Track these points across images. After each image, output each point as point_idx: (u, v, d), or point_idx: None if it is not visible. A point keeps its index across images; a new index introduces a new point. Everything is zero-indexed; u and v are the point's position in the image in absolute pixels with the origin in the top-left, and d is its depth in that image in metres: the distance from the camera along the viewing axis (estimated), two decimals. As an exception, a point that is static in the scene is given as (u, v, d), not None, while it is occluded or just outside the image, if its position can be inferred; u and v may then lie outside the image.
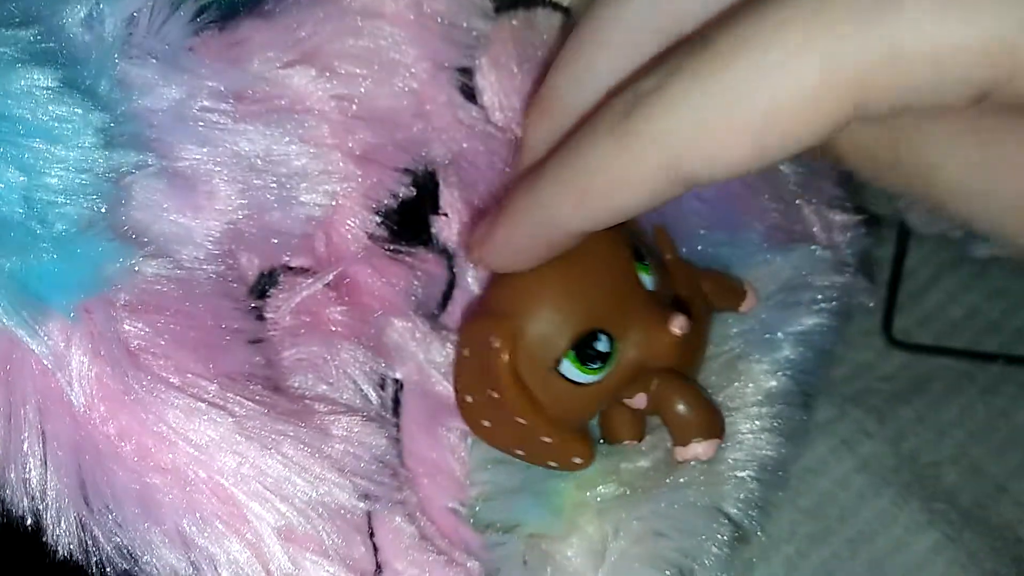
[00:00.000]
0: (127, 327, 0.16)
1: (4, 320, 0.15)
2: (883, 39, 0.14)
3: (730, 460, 0.23)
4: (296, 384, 0.20)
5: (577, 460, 0.22)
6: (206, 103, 0.19)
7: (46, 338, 0.16)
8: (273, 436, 0.17)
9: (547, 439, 0.22)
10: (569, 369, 0.21)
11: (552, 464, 0.22)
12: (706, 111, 0.16)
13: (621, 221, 0.19)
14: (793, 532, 0.30)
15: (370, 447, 0.19)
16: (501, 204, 0.21)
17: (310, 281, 0.21)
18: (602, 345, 0.21)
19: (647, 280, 0.22)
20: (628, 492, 0.22)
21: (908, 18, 0.14)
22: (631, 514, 0.21)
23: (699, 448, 0.22)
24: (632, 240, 0.22)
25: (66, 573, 0.15)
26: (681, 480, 0.22)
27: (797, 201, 0.28)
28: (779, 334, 0.25)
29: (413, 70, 0.23)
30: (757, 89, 0.15)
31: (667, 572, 0.21)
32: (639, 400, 0.22)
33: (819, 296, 0.26)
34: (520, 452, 0.22)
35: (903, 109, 0.15)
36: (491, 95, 0.25)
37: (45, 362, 0.16)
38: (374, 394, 0.21)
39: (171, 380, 0.16)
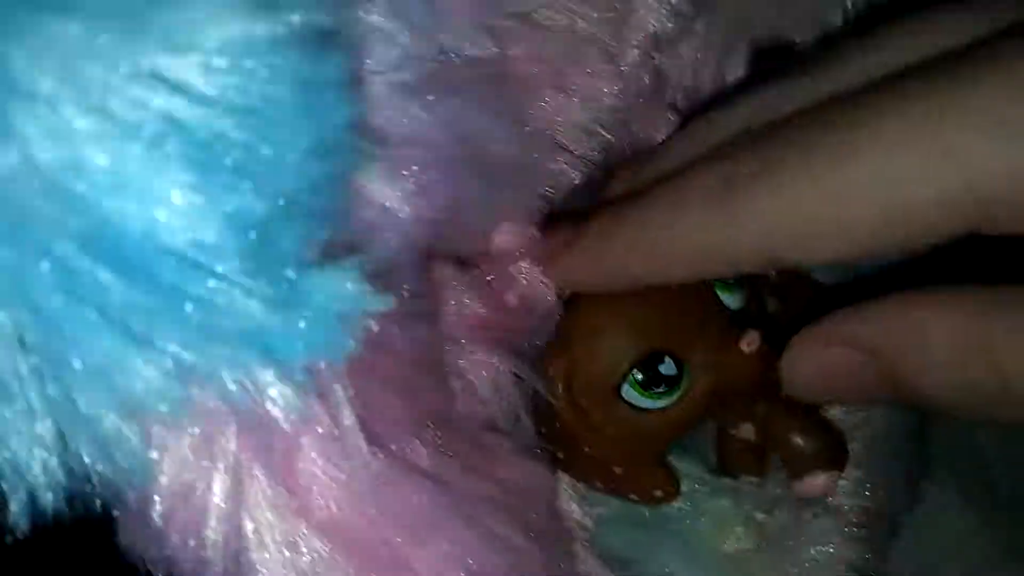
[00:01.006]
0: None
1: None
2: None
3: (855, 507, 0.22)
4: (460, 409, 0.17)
5: (657, 493, 0.20)
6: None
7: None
8: (475, 504, 0.15)
9: (618, 469, 0.20)
10: (631, 394, 0.19)
11: (634, 498, 0.21)
12: (816, 204, 0.15)
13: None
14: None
15: (544, 494, 0.17)
16: (579, 228, 0.19)
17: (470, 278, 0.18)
18: (667, 368, 0.19)
19: (729, 299, 0.20)
20: (765, 545, 0.21)
21: None
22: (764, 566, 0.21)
23: (818, 481, 0.20)
24: None
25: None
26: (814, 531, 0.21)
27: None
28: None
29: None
30: (880, 189, 0.14)
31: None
32: (746, 430, 0.21)
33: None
34: (599, 485, 0.21)
35: None
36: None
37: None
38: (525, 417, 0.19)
39: (392, 447, 0.13)
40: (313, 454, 0.12)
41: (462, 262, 0.19)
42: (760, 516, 0.21)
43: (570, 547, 0.18)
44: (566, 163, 0.19)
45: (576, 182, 0.20)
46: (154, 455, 0.11)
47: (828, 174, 0.15)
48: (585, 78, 0.18)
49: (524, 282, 0.20)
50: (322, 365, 0.12)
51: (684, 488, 0.21)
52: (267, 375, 0.12)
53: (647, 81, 0.20)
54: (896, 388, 0.16)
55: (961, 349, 0.15)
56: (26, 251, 0.10)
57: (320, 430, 0.12)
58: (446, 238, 0.17)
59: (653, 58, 0.20)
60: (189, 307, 0.11)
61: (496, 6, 0.17)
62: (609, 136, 0.20)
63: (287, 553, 0.12)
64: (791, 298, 0.22)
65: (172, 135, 0.10)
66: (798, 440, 0.20)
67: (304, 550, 0.12)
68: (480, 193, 0.17)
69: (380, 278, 0.13)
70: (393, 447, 0.13)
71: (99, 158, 0.10)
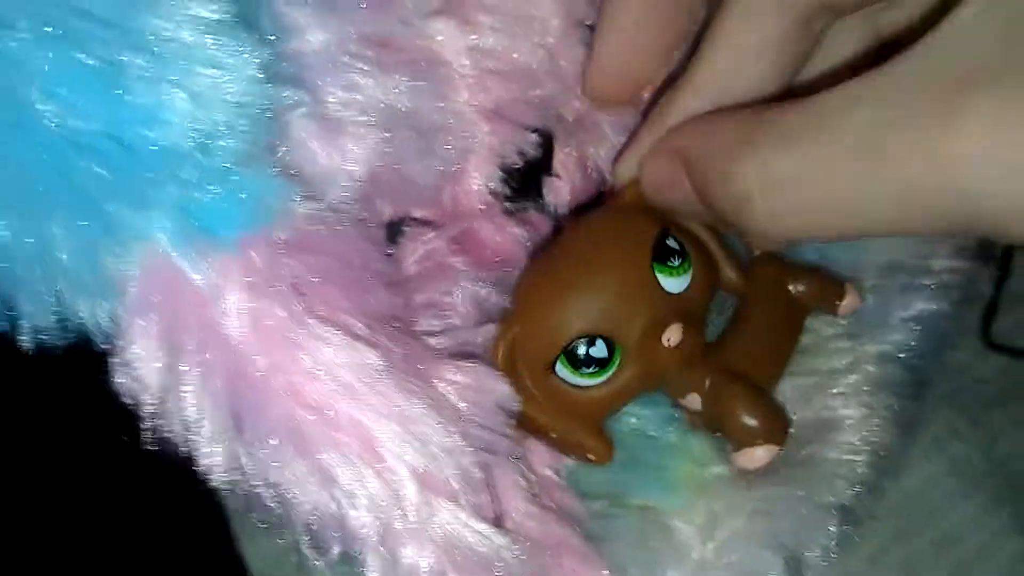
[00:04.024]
0: (283, 264, 0.16)
1: (169, 249, 0.16)
2: None
3: (843, 444, 0.22)
4: (423, 327, 0.20)
5: (591, 457, 0.21)
6: (355, 48, 0.19)
7: (208, 269, 0.16)
8: (413, 379, 0.17)
9: (553, 434, 0.21)
10: (563, 371, 0.20)
11: (573, 458, 0.22)
12: None
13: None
14: (876, 527, 0.30)
15: (494, 394, 0.19)
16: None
17: (438, 232, 0.22)
18: (598, 350, 0.20)
19: (670, 283, 0.21)
20: (741, 477, 0.21)
21: None
22: (744, 495, 0.21)
23: (757, 454, 0.21)
24: (657, 239, 0.21)
25: (210, 505, 0.15)
26: (794, 471, 0.22)
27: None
28: (893, 318, 0.25)
29: (547, 26, 0.23)
30: None
31: (777, 554, 0.21)
32: (692, 400, 0.21)
33: (936, 281, 0.25)
34: (542, 441, 0.22)
35: None
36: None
37: (205, 293, 0.16)
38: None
39: (324, 317, 0.17)
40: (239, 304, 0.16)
41: (429, 222, 0.23)
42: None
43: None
44: (489, 132, 0.22)
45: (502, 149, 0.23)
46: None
47: None
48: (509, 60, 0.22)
49: (496, 238, 0.23)
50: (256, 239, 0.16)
51: (660, 427, 0.22)
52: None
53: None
54: (699, 191, 0.18)
55: (734, 150, 0.16)
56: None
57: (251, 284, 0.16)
58: (390, 188, 0.20)
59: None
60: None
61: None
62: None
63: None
64: (759, 276, 0.23)
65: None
66: (740, 413, 0.21)
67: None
68: (414, 149, 0.20)
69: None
70: (324, 313, 0.17)
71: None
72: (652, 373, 0.21)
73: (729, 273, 0.23)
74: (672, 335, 0.20)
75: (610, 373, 0.20)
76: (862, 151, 0.15)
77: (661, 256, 0.21)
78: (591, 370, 0.20)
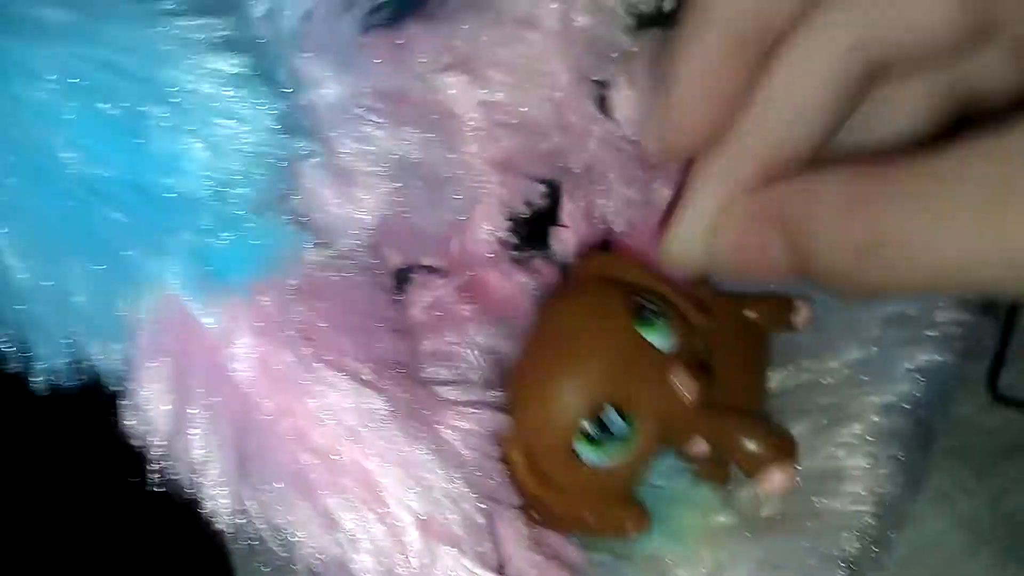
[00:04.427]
0: (293, 309, 0.17)
1: (181, 293, 0.16)
2: None
3: (848, 495, 0.22)
4: (429, 374, 0.20)
5: (629, 528, 0.21)
6: (368, 101, 0.20)
7: (218, 314, 0.16)
8: (418, 425, 0.18)
9: (589, 517, 0.21)
10: (586, 453, 0.20)
11: (611, 535, 0.22)
12: None
13: None
14: (883, 582, 0.30)
15: (495, 445, 0.19)
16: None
17: (446, 280, 0.22)
18: (614, 421, 0.20)
19: (657, 339, 0.21)
20: (747, 527, 0.21)
21: None
22: (750, 545, 0.21)
23: (775, 476, 0.20)
24: (632, 300, 0.21)
25: (215, 547, 0.15)
26: (800, 522, 0.21)
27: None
28: (897, 368, 0.25)
29: (556, 81, 0.23)
30: None
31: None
32: (698, 446, 0.21)
33: (941, 332, 0.25)
34: (576, 532, 0.22)
35: None
36: (625, 110, 0.25)
37: (215, 337, 0.16)
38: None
39: (331, 362, 0.17)
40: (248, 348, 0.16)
41: (438, 270, 0.23)
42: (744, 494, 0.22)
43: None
44: (498, 183, 0.23)
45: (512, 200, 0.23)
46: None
47: None
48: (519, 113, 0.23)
49: (503, 286, 0.23)
50: (267, 285, 0.16)
51: (666, 477, 0.23)
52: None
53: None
54: (798, 258, 0.17)
55: (845, 209, 0.16)
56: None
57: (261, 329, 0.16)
58: (399, 237, 0.21)
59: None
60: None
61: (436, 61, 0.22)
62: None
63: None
64: (717, 312, 0.23)
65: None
66: (745, 442, 0.20)
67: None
68: (423, 199, 0.21)
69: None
70: (331, 358, 0.17)
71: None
72: (670, 425, 0.21)
73: (695, 317, 0.23)
74: (691, 390, 0.20)
75: (632, 441, 0.20)
76: (980, 211, 0.15)
77: (640, 316, 0.21)
78: (613, 445, 0.20)
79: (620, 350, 0.20)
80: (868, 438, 0.24)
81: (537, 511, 0.21)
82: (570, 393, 0.20)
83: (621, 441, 0.20)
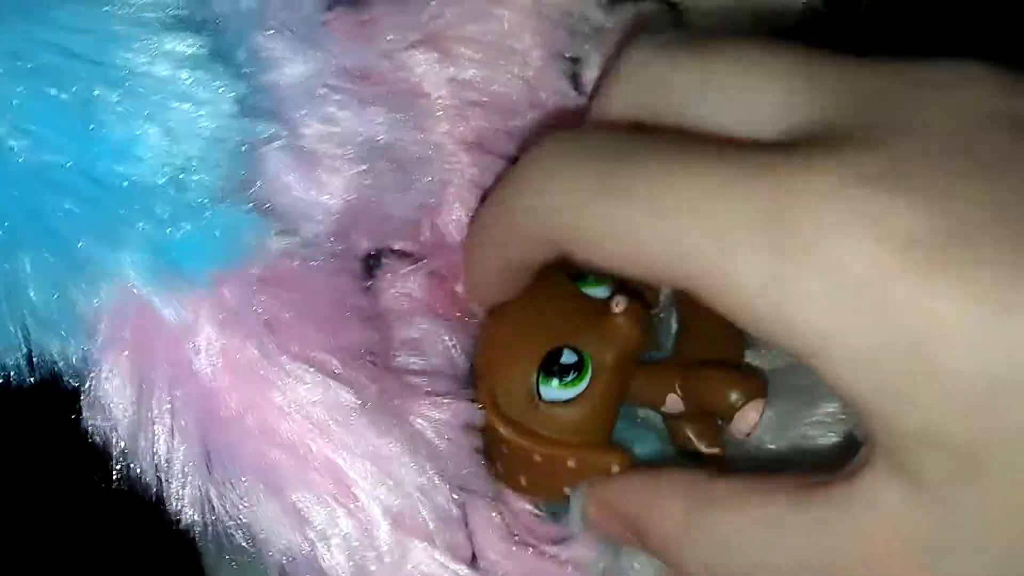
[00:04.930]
0: (256, 300, 0.16)
1: (140, 286, 0.15)
2: None
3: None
4: (399, 363, 0.20)
5: (614, 468, 0.22)
6: (333, 81, 0.19)
7: (179, 306, 0.16)
8: (388, 416, 0.17)
9: (572, 463, 0.22)
10: (548, 391, 0.21)
11: (596, 477, 0.22)
12: None
13: None
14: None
15: (469, 434, 0.19)
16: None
17: (417, 265, 0.21)
18: (568, 357, 0.21)
19: (597, 291, 0.23)
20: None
21: None
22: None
23: (748, 415, 0.21)
24: (569, 266, 0.22)
25: (182, 545, 0.15)
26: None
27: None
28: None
29: (528, 58, 0.23)
30: None
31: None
32: (672, 403, 0.22)
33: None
34: (567, 491, 0.22)
35: None
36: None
37: (176, 330, 0.16)
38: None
39: (297, 354, 0.16)
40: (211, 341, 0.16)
41: (409, 255, 0.23)
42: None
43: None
44: (469, 163, 0.22)
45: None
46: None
47: None
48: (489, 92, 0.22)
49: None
50: (228, 275, 0.16)
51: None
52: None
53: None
54: (642, 543, 0.20)
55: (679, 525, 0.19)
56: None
57: (223, 321, 0.16)
58: (368, 222, 0.20)
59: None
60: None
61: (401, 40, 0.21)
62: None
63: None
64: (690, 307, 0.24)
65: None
66: (718, 386, 0.22)
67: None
68: (392, 182, 0.20)
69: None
70: (298, 350, 0.16)
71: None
72: (627, 353, 0.22)
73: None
74: (619, 302, 0.21)
75: (589, 375, 0.21)
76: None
77: (579, 277, 0.23)
78: (571, 377, 0.21)
79: (564, 303, 0.22)
80: (840, 416, 0.24)
81: (523, 472, 0.22)
82: (525, 345, 0.22)
83: (577, 373, 0.21)
